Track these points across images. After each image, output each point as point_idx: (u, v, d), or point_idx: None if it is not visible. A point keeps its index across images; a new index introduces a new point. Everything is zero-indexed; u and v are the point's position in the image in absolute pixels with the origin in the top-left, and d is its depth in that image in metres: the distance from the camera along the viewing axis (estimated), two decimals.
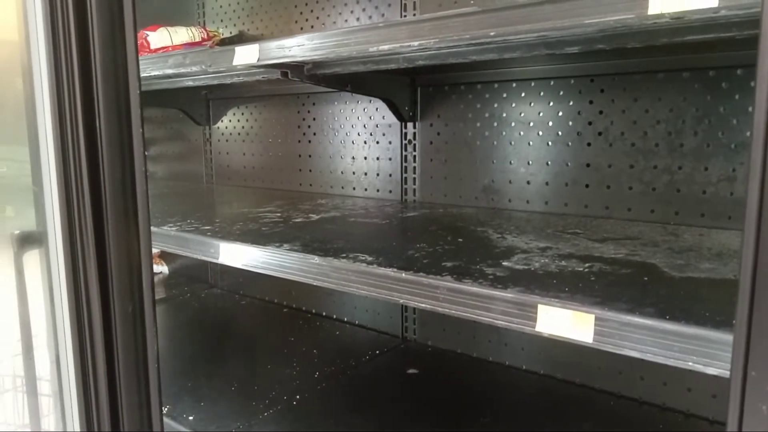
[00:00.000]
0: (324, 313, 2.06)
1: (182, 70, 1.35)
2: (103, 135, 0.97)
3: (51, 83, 0.95)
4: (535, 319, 0.74)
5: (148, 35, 1.84)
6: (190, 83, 1.73)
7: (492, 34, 0.80)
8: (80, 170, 0.95)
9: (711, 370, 0.61)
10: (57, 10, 0.91)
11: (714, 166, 1.26)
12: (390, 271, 0.89)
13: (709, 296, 0.77)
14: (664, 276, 0.87)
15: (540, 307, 0.73)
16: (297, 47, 1.07)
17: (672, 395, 1.36)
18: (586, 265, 0.94)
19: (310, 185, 2.03)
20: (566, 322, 0.71)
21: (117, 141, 0.99)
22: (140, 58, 1.60)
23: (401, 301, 0.87)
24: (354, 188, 1.90)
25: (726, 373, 0.54)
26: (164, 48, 1.86)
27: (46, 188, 0.96)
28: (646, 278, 0.86)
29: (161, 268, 2.60)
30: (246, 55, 1.15)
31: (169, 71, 1.39)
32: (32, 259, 1.02)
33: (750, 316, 0.43)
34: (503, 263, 0.96)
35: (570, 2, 0.72)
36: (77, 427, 1.03)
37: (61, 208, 0.95)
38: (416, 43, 0.88)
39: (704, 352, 0.62)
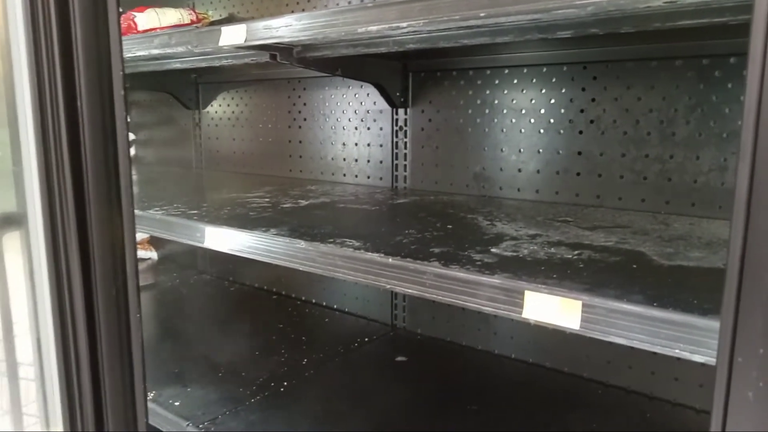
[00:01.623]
0: (313, 300, 2.05)
1: (168, 51, 1.32)
2: (85, 116, 0.95)
3: (30, 62, 0.92)
4: (521, 306, 0.73)
5: (135, 16, 1.81)
6: (178, 65, 1.70)
7: (482, 15, 0.79)
8: (61, 151, 0.93)
9: (698, 358, 0.60)
10: None
11: (705, 155, 1.25)
12: (377, 256, 0.88)
13: (697, 284, 0.76)
14: (653, 264, 0.87)
15: (527, 293, 0.72)
16: (285, 27, 1.04)
17: (660, 384, 1.36)
18: (575, 252, 0.93)
19: (301, 171, 2.01)
20: (553, 309, 0.71)
21: (99, 122, 0.97)
22: (127, 37, 1.57)
23: (387, 286, 0.86)
24: (344, 174, 1.89)
25: (713, 361, 0.54)
26: (152, 30, 1.83)
27: (26, 168, 0.94)
28: (634, 266, 0.85)
29: (150, 254, 2.58)
30: (233, 35, 1.13)
31: (155, 51, 1.36)
32: (12, 241, 1.00)
33: (737, 302, 0.42)
34: (492, 250, 0.94)
35: None
36: (59, 412, 1.01)
37: (42, 188, 0.93)
38: (405, 24, 0.86)
39: (691, 339, 0.61)
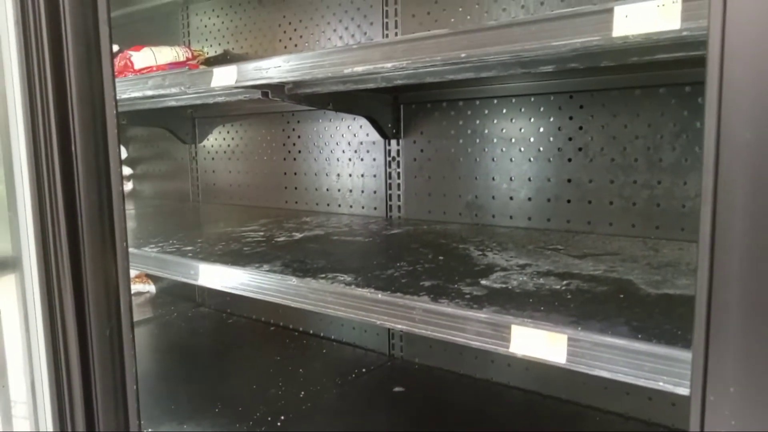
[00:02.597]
0: (311, 332, 2.05)
1: (162, 92, 1.35)
2: (79, 158, 0.97)
3: (25, 105, 0.94)
4: (509, 340, 0.74)
5: (131, 55, 1.85)
6: (173, 103, 1.73)
7: (463, 55, 0.81)
8: (55, 194, 0.94)
9: (681, 390, 0.61)
10: (30, 35, 0.91)
11: (692, 180, 1.27)
12: (366, 292, 0.89)
13: (682, 314, 0.77)
14: (640, 293, 0.88)
15: (513, 327, 0.73)
16: (274, 69, 1.07)
17: (657, 410, 1.35)
18: (564, 282, 0.94)
19: (296, 203, 2.03)
20: (540, 343, 0.71)
21: (93, 163, 0.99)
22: (122, 79, 1.60)
23: (378, 322, 0.87)
24: (339, 205, 1.90)
25: None
26: (148, 68, 1.87)
27: (21, 212, 0.96)
28: (621, 296, 0.86)
29: (148, 287, 2.59)
30: (224, 76, 1.15)
31: (149, 93, 1.39)
32: (7, 284, 1.01)
33: (707, 343, 0.43)
34: (481, 282, 0.95)
35: (537, 24, 0.73)
36: None
37: (36, 232, 0.95)
38: (390, 65, 0.88)
39: (675, 372, 0.62)
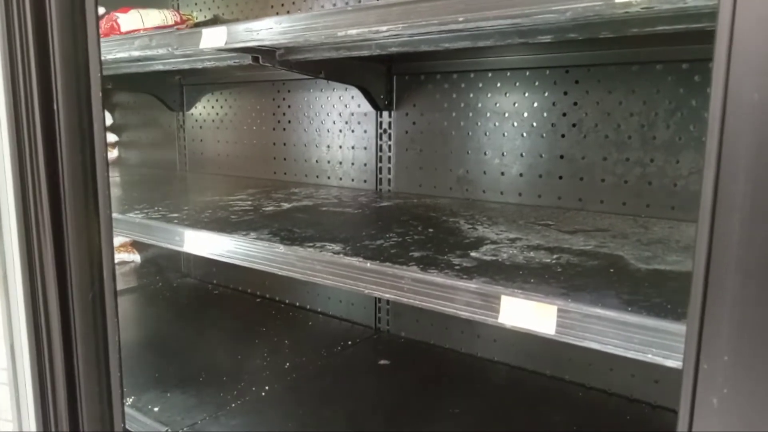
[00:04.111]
0: (297, 304, 2.04)
1: (149, 53, 1.31)
2: (62, 119, 0.94)
3: (4, 62, 0.91)
4: (498, 311, 0.73)
5: (118, 17, 1.79)
6: (161, 67, 1.69)
7: (461, 19, 0.79)
8: (36, 154, 0.92)
9: (670, 363, 0.60)
10: None
11: (685, 159, 1.26)
12: (355, 261, 0.88)
13: (672, 288, 0.77)
14: (630, 268, 0.87)
15: (503, 298, 0.72)
16: (265, 30, 1.04)
17: (640, 387, 1.36)
18: (554, 256, 0.94)
19: (285, 174, 2.00)
20: (529, 314, 0.71)
21: (76, 125, 0.96)
22: (106, 40, 1.55)
23: (366, 291, 0.86)
24: (329, 177, 1.88)
25: None
26: (135, 31, 1.81)
27: (0, 173, 0.93)
28: (612, 270, 0.86)
29: (133, 257, 2.56)
30: (213, 38, 1.12)
31: (136, 53, 1.35)
32: None
33: (702, 310, 0.42)
34: (471, 254, 0.94)
35: None
36: (33, 422, 1.00)
37: (16, 193, 0.92)
38: (384, 28, 0.86)
39: (663, 344, 0.62)
